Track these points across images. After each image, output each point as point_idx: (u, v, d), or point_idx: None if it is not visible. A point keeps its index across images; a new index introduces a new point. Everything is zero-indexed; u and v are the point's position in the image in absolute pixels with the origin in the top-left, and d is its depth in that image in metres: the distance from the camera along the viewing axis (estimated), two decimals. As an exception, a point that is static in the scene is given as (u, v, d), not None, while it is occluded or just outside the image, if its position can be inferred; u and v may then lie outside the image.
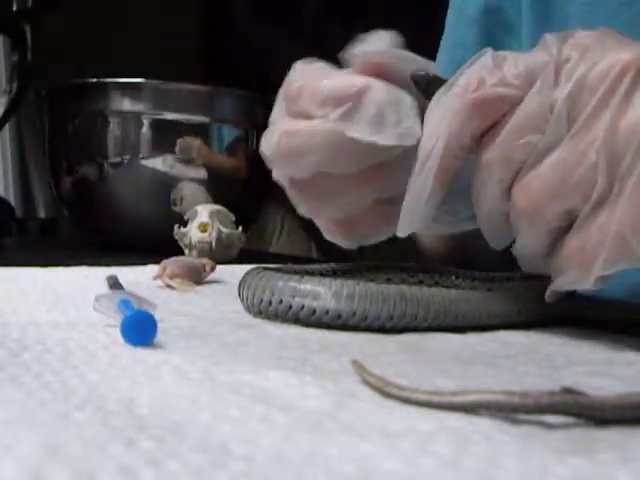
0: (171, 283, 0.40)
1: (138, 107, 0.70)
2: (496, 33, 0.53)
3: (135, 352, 0.24)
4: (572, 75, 0.26)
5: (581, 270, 0.26)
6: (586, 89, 0.26)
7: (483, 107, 0.27)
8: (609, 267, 0.25)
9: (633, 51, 0.25)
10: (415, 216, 0.29)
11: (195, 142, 0.70)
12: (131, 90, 0.70)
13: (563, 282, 0.27)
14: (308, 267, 0.38)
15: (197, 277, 0.43)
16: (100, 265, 0.51)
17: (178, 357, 0.23)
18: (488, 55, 0.28)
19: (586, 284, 0.26)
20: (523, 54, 0.28)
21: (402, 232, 0.30)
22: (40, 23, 0.84)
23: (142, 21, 1.42)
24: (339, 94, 0.30)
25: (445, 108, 0.28)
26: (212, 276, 0.45)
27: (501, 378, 0.23)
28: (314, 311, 0.30)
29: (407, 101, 0.30)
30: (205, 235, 0.59)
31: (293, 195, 0.34)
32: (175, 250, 0.61)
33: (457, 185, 0.29)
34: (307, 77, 0.32)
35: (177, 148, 0.69)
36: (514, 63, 0.27)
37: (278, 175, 0.34)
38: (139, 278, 0.44)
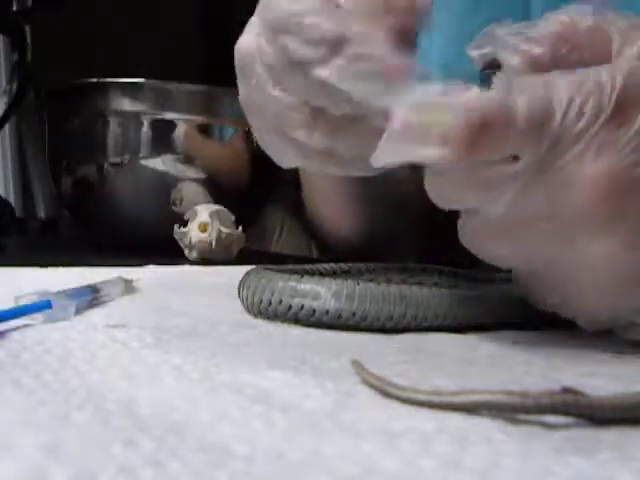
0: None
1: (138, 107, 0.69)
2: None
3: (135, 352, 0.24)
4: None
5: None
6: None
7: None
8: None
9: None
10: (388, 156, 0.26)
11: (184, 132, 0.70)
12: (131, 90, 0.69)
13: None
14: (308, 267, 0.38)
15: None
16: (100, 265, 0.51)
17: (178, 357, 0.23)
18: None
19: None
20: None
21: (375, 164, 0.27)
22: (40, 23, 0.84)
23: (142, 21, 1.42)
24: None
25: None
26: (212, 276, 0.45)
27: (501, 378, 0.23)
28: (314, 311, 0.30)
29: None
30: (205, 235, 0.59)
31: None
32: (175, 250, 0.61)
33: None
34: None
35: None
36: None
37: None
38: (139, 278, 0.44)
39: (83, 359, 0.23)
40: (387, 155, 0.26)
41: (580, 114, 0.24)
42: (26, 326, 0.28)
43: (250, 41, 0.33)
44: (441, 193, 0.27)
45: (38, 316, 0.29)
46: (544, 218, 0.25)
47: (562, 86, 0.25)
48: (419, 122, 0.25)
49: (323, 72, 0.28)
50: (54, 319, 0.29)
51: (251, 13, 0.34)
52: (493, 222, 0.26)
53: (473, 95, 0.24)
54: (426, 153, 0.24)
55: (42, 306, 0.28)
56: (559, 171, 0.24)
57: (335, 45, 0.28)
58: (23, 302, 0.29)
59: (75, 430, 0.16)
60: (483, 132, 0.24)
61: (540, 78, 0.25)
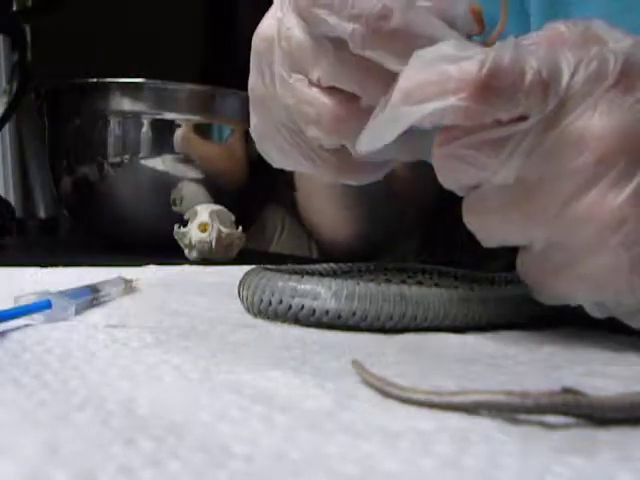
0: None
1: (138, 107, 0.69)
2: None
3: (135, 352, 0.24)
4: (559, 123, 0.25)
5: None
6: (566, 145, 0.25)
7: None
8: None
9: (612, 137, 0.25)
10: (381, 133, 0.27)
11: (181, 133, 0.70)
12: (131, 90, 0.70)
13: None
14: (308, 267, 0.38)
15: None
16: (100, 265, 0.51)
17: (178, 357, 0.23)
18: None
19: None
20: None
21: (361, 148, 0.28)
22: (40, 23, 0.84)
23: (142, 21, 1.42)
24: None
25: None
26: (212, 276, 0.45)
27: (501, 378, 0.23)
28: (314, 311, 0.30)
29: None
30: (205, 235, 0.59)
31: None
32: (175, 250, 0.61)
33: None
34: None
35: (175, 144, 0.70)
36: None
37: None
38: (139, 278, 0.44)
39: (83, 359, 0.23)
40: (380, 132, 0.27)
41: (587, 76, 0.25)
42: (26, 326, 0.28)
43: (270, 26, 0.32)
44: (451, 164, 0.27)
45: (38, 316, 0.29)
46: (552, 179, 0.25)
47: (570, 52, 0.25)
48: (431, 75, 0.25)
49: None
50: (54, 319, 0.29)
51: (252, 13, 0.33)
52: (500, 195, 0.26)
53: (486, 50, 0.25)
54: (436, 105, 0.25)
55: (42, 306, 0.28)
56: (567, 128, 0.25)
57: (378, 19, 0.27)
58: (23, 302, 0.29)
59: (75, 430, 0.16)
60: (495, 82, 0.24)
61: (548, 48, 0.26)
